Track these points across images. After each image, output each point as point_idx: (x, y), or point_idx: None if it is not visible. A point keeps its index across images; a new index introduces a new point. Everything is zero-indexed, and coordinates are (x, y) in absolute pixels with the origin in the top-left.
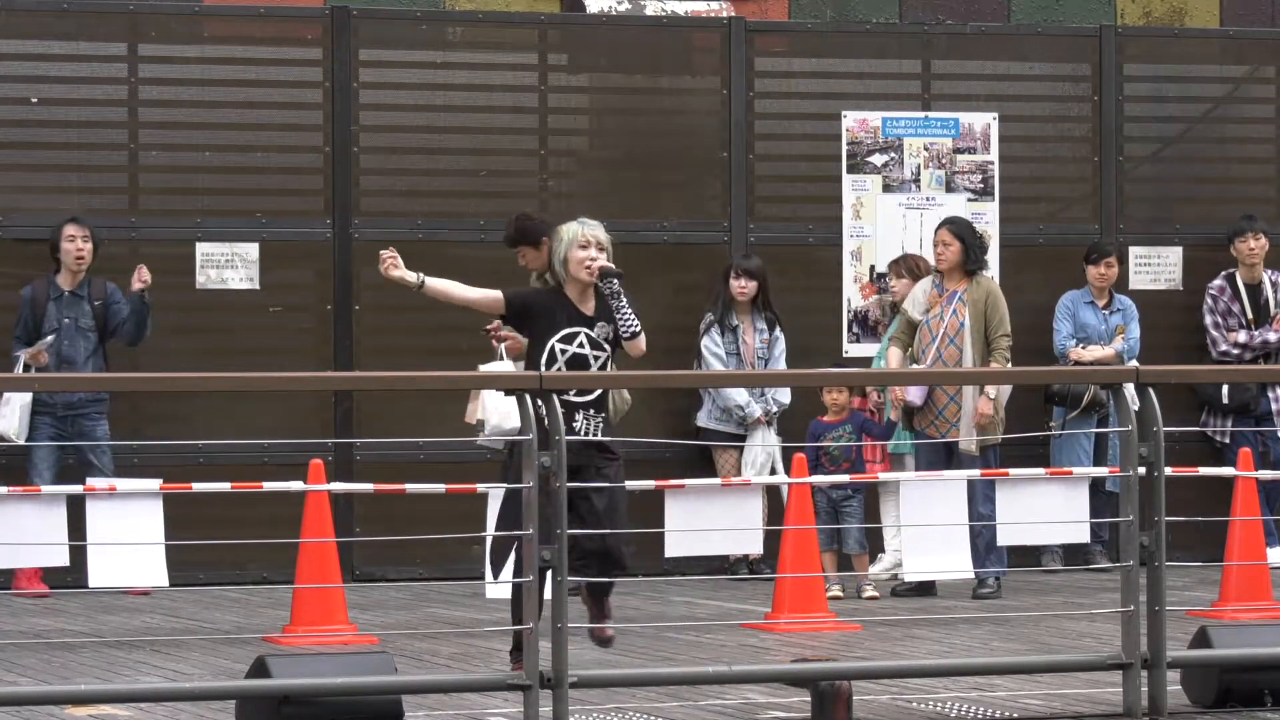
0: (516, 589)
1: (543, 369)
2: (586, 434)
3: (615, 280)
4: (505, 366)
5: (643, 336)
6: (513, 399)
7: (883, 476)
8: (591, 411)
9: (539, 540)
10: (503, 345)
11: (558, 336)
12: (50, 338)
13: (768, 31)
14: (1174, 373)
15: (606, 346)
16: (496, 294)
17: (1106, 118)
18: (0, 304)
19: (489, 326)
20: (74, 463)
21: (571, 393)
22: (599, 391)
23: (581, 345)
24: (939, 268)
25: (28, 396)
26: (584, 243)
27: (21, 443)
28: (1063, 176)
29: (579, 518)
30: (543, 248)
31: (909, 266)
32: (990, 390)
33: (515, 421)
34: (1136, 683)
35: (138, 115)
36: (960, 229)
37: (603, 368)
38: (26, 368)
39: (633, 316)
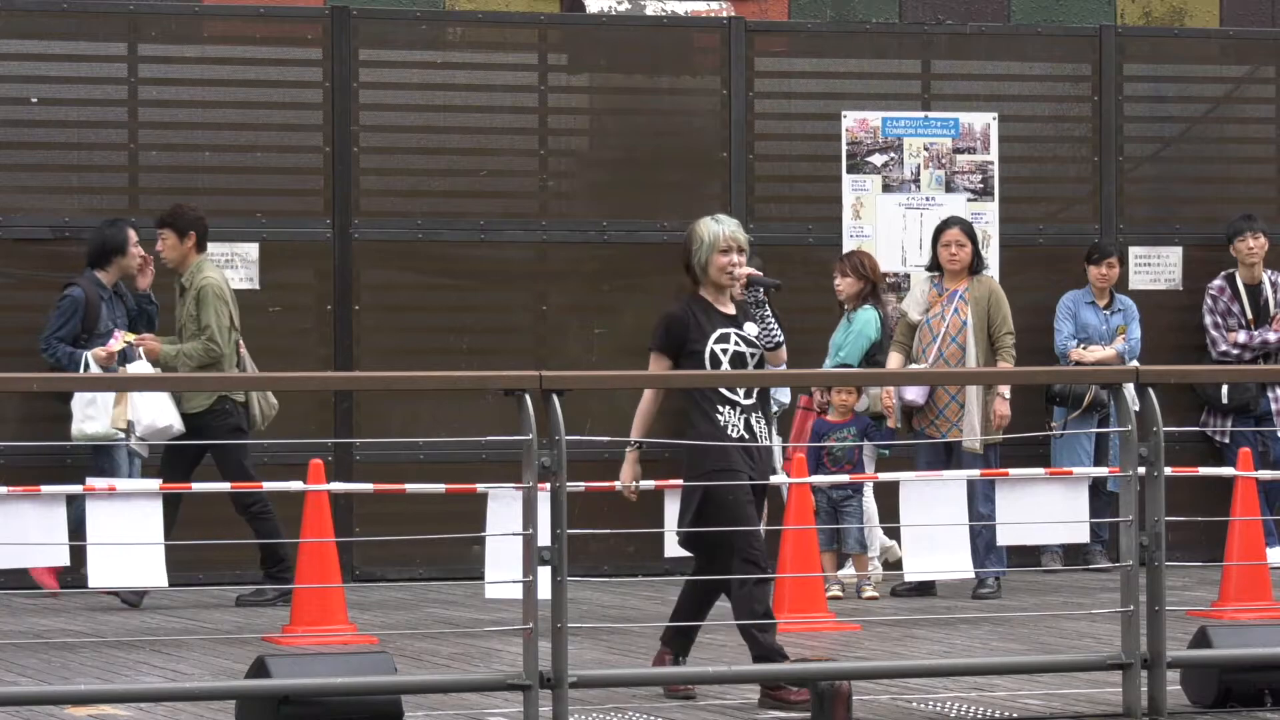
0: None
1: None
2: (766, 439)
3: (762, 290)
4: (145, 367)
5: (784, 346)
6: (163, 397)
7: (883, 476)
8: (760, 414)
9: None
10: (140, 347)
11: (713, 339)
12: (132, 335)
13: (768, 31)
14: (1174, 373)
15: (757, 344)
16: (662, 371)
17: (1106, 118)
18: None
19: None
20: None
21: (741, 396)
22: (758, 391)
23: (738, 344)
24: (952, 269)
25: (113, 397)
26: (725, 247)
27: (121, 442)
28: (1063, 176)
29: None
30: (187, 240)
31: (854, 265)
32: (1004, 390)
33: (167, 421)
34: (1136, 683)
35: (138, 115)
36: (969, 229)
37: (758, 366)
38: (86, 367)
39: (776, 326)
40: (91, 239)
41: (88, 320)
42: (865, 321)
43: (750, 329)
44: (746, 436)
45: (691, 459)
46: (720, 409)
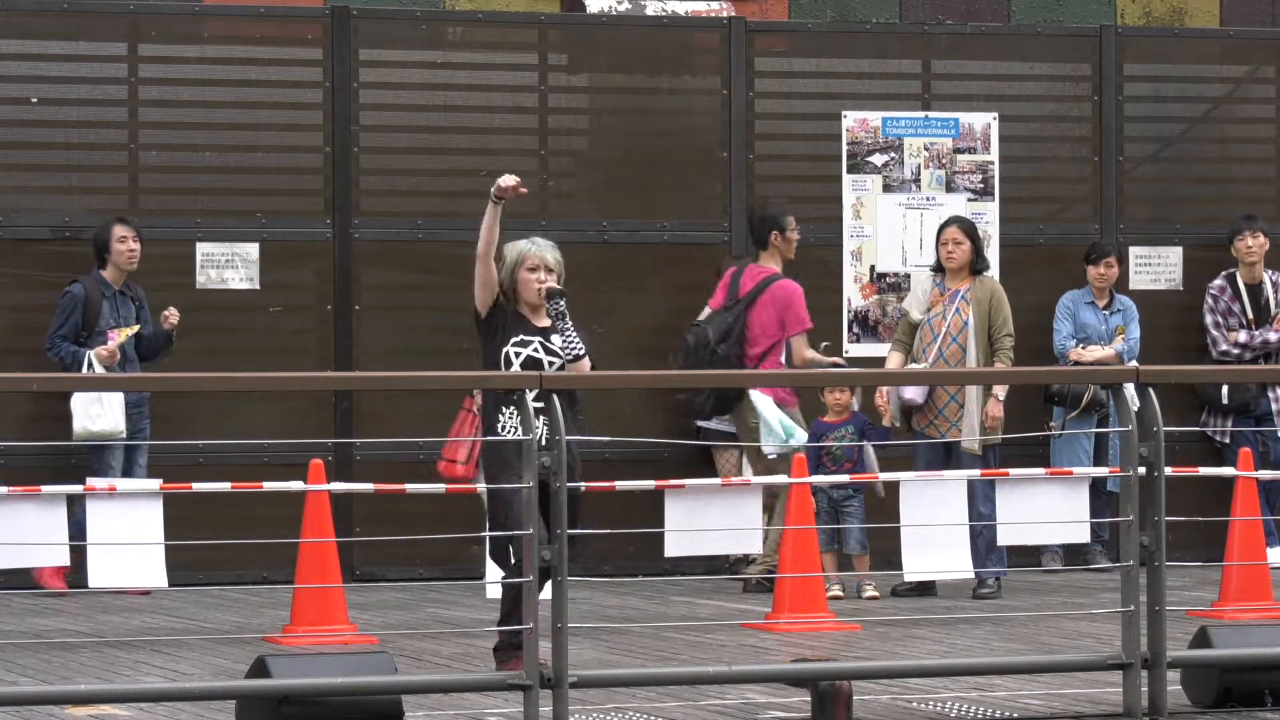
0: (510, 587)
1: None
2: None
3: (561, 301)
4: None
5: (588, 360)
6: (101, 399)
7: (883, 476)
8: (552, 415)
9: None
10: (91, 352)
11: (511, 343)
12: (137, 326)
13: (768, 31)
14: (1174, 373)
15: (561, 355)
16: (492, 289)
17: (1106, 118)
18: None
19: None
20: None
21: (530, 396)
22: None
23: (536, 350)
24: (949, 267)
25: (121, 395)
26: (533, 265)
27: (124, 441)
28: (1063, 176)
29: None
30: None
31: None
32: (999, 392)
33: (105, 425)
34: (1136, 683)
35: (138, 115)
36: (969, 228)
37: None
38: (89, 366)
39: (577, 338)
40: (93, 238)
41: (88, 318)
42: None
43: (558, 340)
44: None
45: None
46: (503, 409)
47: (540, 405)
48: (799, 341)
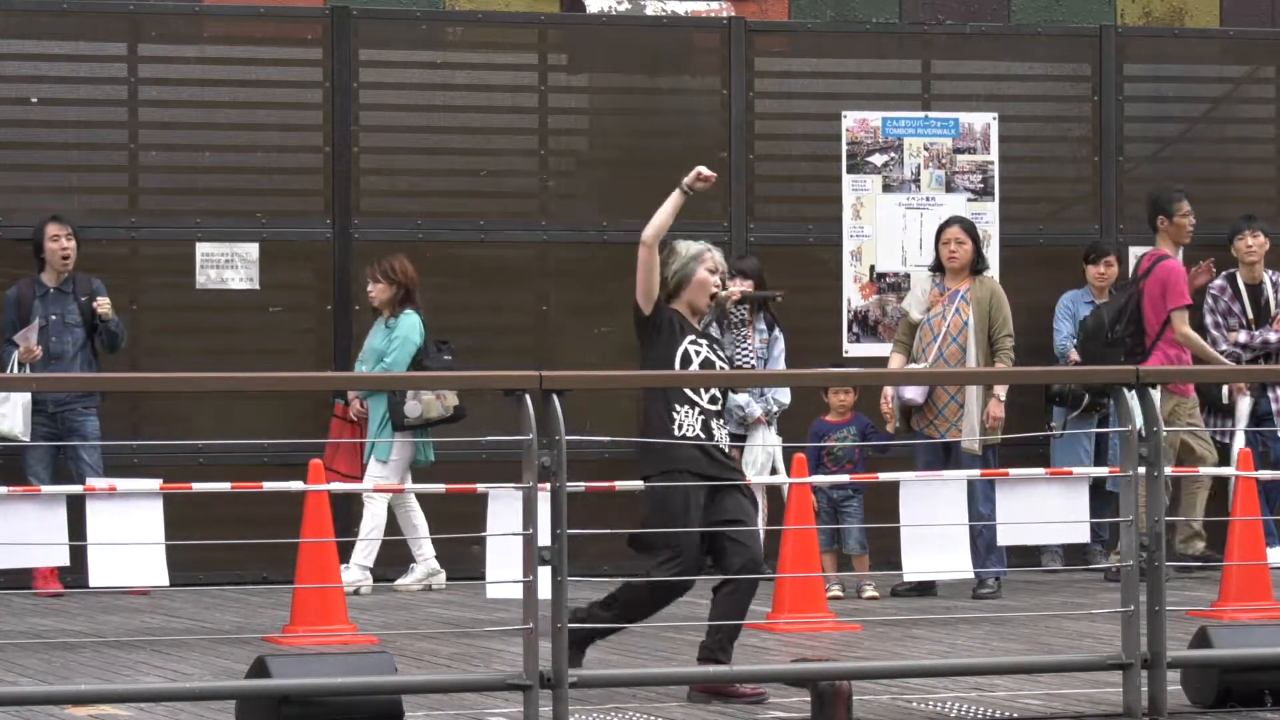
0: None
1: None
2: (722, 443)
3: (744, 308)
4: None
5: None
6: (10, 398)
7: (883, 476)
8: (722, 420)
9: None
10: (17, 353)
11: (687, 341)
12: (35, 322)
13: (768, 31)
14: (1174, 373)
15: (727, 360)
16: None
17: (1106, 118)
18: None
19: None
20: (64, 459)
21: (705, 400)
22: (722, 399)
23: (710, 350)
24: (951, 267)
25: (28, 396)
26: (712, 266)
27: (26, 441)
28: (1063, 176)
29: (730, 539)
30: None
31: (384, 270)
32: (1000, 392)
33: (4, 426)
34: (1136, 683)
35: (138, 115)
36: (970, 228)
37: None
38: (21, 366)
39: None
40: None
41: (20, 316)
42: (410, 327)
43: (719, 342)
44: (703, 437)
45: (644, 458)
46: (677, 408)
47: (714, 407)
48: (1178, 317)
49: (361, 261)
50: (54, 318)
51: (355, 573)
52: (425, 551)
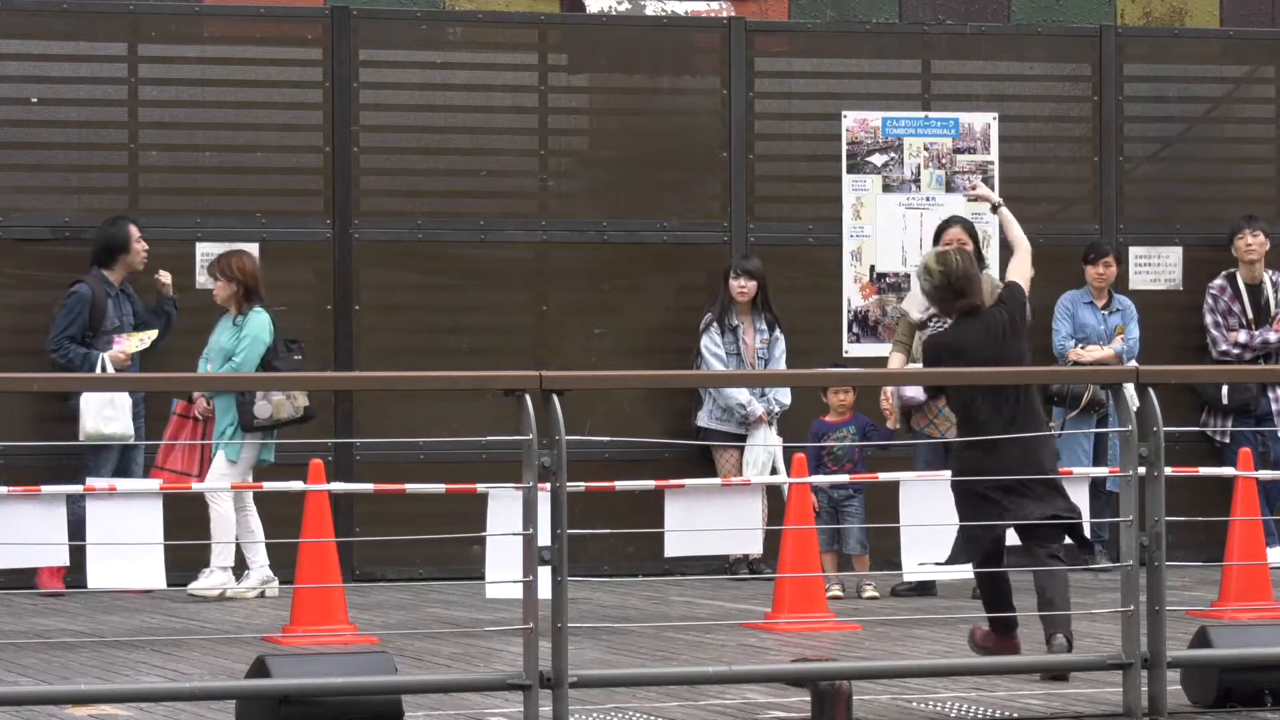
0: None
1: None
2: None
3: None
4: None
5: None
6: (114, 401)
7: (883, 476)
8: None
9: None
10: (106, 355)
11: None
12: (154, 332)
13: (768, 31)
14: (1174, 373)
15: None
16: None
17: (1106, 118)
18: None
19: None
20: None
21: None
22: None
23: None
24: None
25: (129, 398)
26: None
27: (133, 441)
28: (1063, 176)
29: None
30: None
31: (223, 268)
32: None
33: (117, 427)
34: (1136, 683)
35: (138, 115)
36: (970, 228)
37: None
38: (103, 367)
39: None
40: (95, 238)
41: (94, 318)
42: (259, 325)
43: None
44: None
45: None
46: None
47: None
48: None
49: (361, 262)
50: (126, 318)
51: (219, 576)
52: (259, 559)
